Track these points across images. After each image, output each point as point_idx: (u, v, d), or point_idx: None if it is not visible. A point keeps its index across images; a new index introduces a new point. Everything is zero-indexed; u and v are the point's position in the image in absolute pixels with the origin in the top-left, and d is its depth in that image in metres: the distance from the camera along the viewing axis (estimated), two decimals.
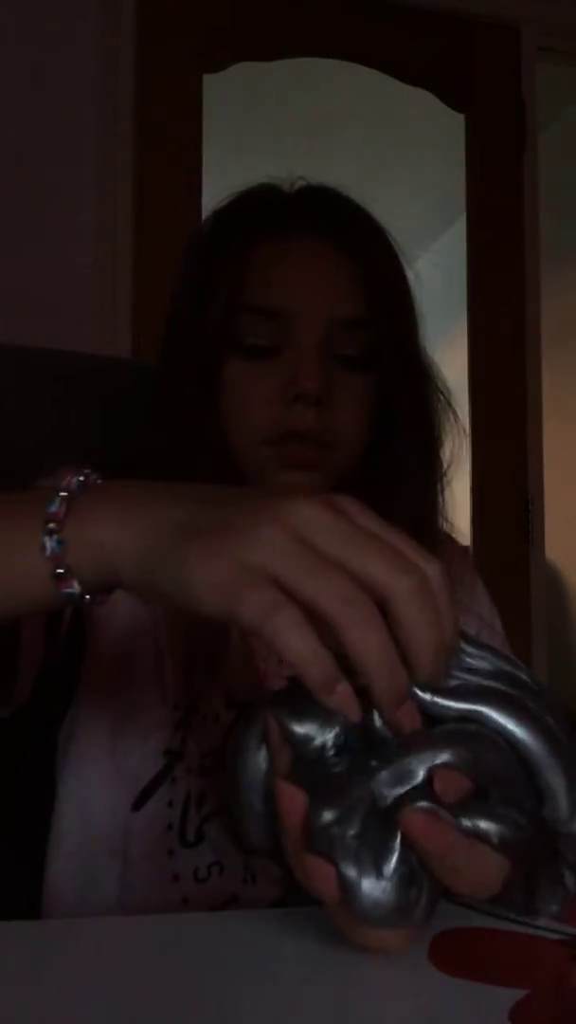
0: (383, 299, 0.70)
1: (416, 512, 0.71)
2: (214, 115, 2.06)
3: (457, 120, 2.28)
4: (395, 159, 3.07)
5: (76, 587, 0.41)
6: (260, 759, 0.41)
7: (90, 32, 1.97)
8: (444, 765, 0.37)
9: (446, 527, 0.76)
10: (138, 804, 0.65)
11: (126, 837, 0.65)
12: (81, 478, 0.43)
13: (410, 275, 0.74)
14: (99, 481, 0.44)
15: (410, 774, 0.37)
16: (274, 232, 0.71)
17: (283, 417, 0.67)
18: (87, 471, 0.43)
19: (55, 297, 1.91)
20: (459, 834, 0.37)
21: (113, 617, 0.69)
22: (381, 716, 0.38)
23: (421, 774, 0.37)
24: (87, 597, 0.42)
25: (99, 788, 0.66)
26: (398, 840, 0.37)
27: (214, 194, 0.77)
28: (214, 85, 2.08)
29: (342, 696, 0.35)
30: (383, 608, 0.36)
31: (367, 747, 0.39)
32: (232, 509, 0.38)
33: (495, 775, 0.38)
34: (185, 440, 0.69)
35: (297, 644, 0.34)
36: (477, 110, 2.28)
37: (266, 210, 0.73)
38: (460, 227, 2.35)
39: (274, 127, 2.83)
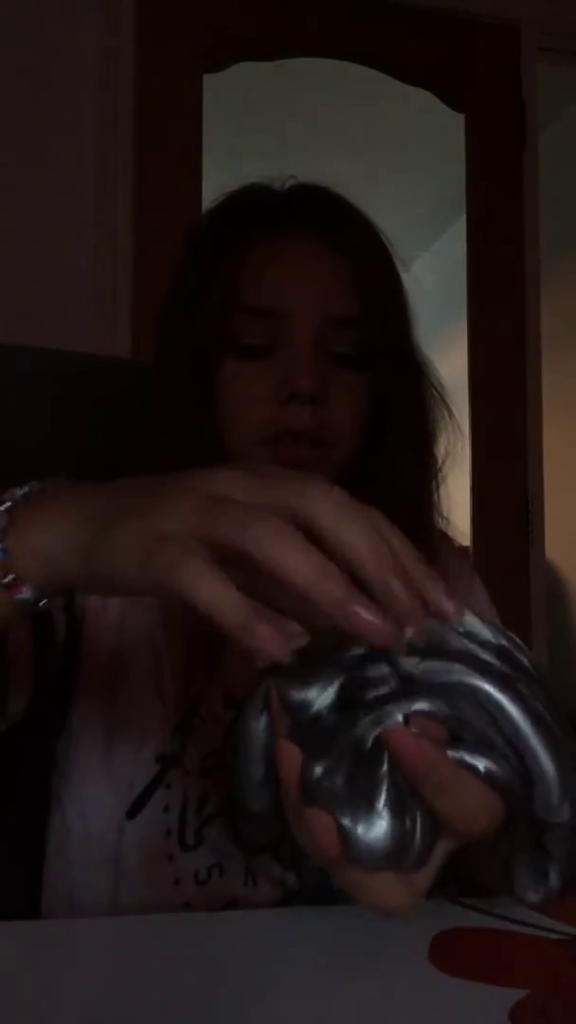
0: (376, 296, 0.70)
1: (412, 509, 0.71)
2: (214, 115, 2.06)
3: (457, 120, 2.28)
4: (395, 159, 3.07)
5: (27, 592, 0.42)
6: (261, 729, 0.42)
7: (90, 32, 1.97)
8: (421, 712, 0.37)
9: (443, 524, 0.76)
10: (132, 812, 0.65)
11: (123, 845, 0.65)
12: (25, 490, 0.44)
13: (403, 271, 0.74)
14: (42, 491, 0.45)
15: (389, 717, 0.38)
16: (266, 231, 0.71)
17: (279, 416, 0.67)
18: (33, 483, 0.45)
19: (55, 297, 1.91)
20: (444, 753, 0.37)
21: (106, 623, 0.68)
22: (342, 625, 0.35)
23: (399, 718, 0.38)
24: (42, 603, 0.43)
25: (95, 797, 0.66)
26: (384, 770, 0.38)
27: (214, 194, 0.76)
28: (214, 85, 2.08)
29: (264, 634, 0.33)
30: (311, 538, 0.35)
31: (362, 707, 0.39)
32: (154, 491, 0.39)
33: (479, 736, 0.38)
34: (181, 440, 0.69)
35: (206, 592, 0.33)
36: (477, 110, 2.28)
37: (258, 210, 0.73)
38: (460, 227, 2.35)
39: (274, 127, 2.83)
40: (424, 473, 0.73)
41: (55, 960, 0.43)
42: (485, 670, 0.39)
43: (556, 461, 2.42)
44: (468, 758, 0.37)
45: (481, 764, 0.38)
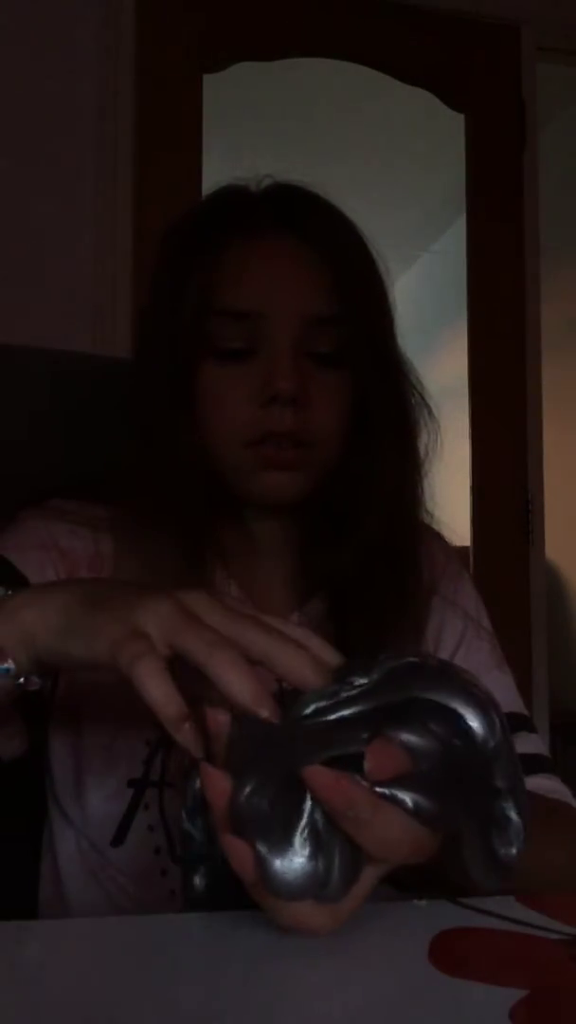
0: (355, 294, 0.70)
1: (395, 506, 0.71)
2: (214, 115, 2.06)
3: (457, 120, 2.28)
4: (395, 159, 3.07)
5: (11, 663, 0.48)
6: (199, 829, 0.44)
7: (90, 32, 1.97)
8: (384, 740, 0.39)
9: (429, 519, 0.76)
10: (117, 840, 0.64)
11: (112, 868, 0.65)
12: (9, 591, 0.52)
13: (383, 269, 0.73)
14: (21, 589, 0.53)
15: (328, 745, 0.39)
16: (243, 233, 0.70)
17: (261, 419, 0.67)
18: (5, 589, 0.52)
19: (55, 297, 1.91)
20: (364, 789, 0.38)
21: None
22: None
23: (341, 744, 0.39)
24: (23, 679, 0.49)
25: (77, 822, 0.66)
26: (307, 805, 0.39)
27: None
28: (214, 85, 2.08)
29: (188, 733, 0.41)
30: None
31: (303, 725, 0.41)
32: (133, 590, 0.46)
33: (433, 761, 0.39)
34: (162, 445, 0.68)
35: (153, 689, 0.41)
36: (477, 110, 2.28)
37: (233, 211, 0.72)
38: (460, 227, 2.35)
39: (274, 127, 2.83)
40: (407, 470, 0.72)
41: (55, 960, 0.43)
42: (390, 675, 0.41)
43: (556, 461, 2.42)
44: (400, 794, 0.39)
45: (410, 798, 0.39)
